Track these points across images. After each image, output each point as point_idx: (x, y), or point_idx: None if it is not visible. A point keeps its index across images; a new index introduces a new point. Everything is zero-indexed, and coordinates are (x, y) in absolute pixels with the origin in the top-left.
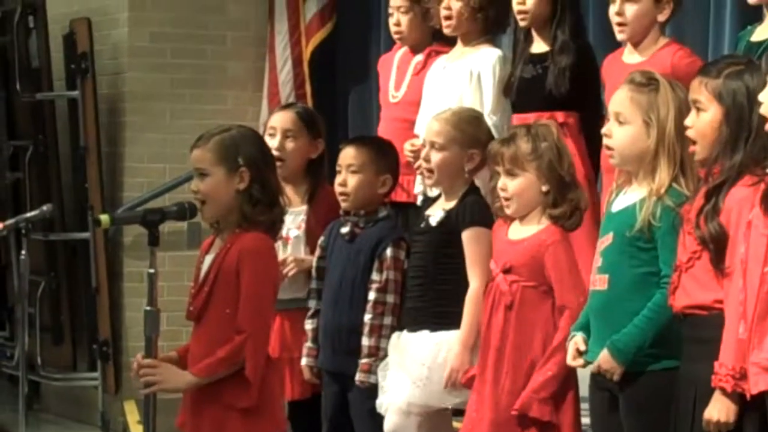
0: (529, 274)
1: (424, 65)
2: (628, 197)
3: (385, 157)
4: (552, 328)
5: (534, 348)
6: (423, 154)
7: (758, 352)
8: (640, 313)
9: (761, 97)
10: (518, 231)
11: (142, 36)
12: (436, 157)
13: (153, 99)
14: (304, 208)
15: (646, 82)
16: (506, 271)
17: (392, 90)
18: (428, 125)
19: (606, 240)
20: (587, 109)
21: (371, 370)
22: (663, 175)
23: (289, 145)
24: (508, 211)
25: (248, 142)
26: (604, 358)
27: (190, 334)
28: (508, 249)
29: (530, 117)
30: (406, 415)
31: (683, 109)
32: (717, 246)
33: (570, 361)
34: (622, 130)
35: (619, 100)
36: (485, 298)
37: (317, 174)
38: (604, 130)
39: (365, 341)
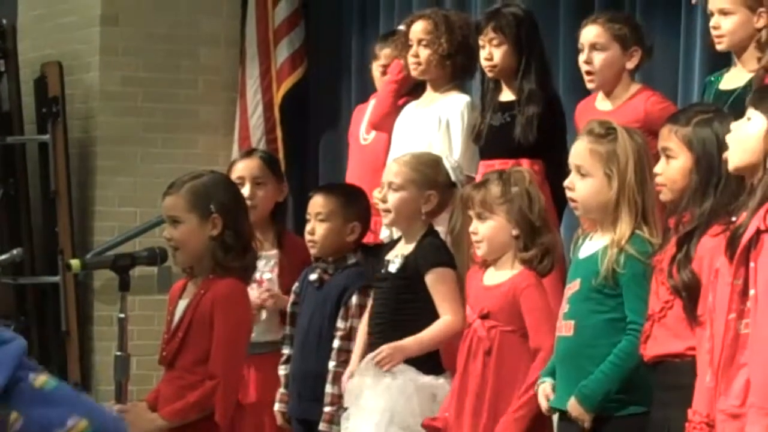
0: (507, 319)
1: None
2: (594, 244)
3: (353, 205)
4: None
5: (514, 393)
6: (381, 194)
7: (725, 399)
8: (605, 359)
9: (733, 126)
10: (493, 276)
11: (113, 80)
12: (393, 197)
13: (124, 143)
14: (275, 252)
15: (605, 133)
16: (484, 316)
17: (363, 133)
18: (388, 167)
19: (573, 286)
20: (553, 157)
21: (333, 421)
22: (624, 226)
23: (259, 192)
24: (479, 253)
25: (220, 189)
26: (572, 405)
27: (160, 379)
28: (484, 295)
29: (496, 164)
30: None
31: (642, 155)
32: (690, 294)
33: (542, 403)
34: (584, 183)
35: (578, 152)
36: (461, 343)
37: (283, 217)
38: (566, 183)
39: (329, 389)
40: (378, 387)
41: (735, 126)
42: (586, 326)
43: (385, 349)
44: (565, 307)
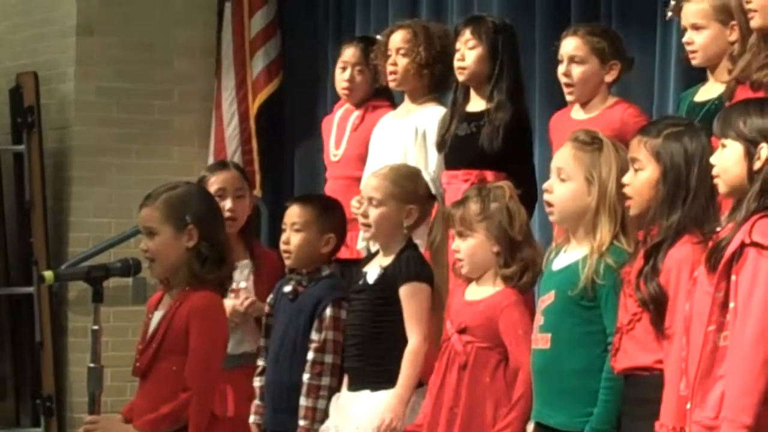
0: (484, 335)
1: (362, 120)
2: (569, 256)
3: (329, 217)
4: (504, 390)
5: (486, 409)
6: (361, 209)
7: (700, 411)
8: (582, 371)
9: (713, 159)
10: (474, 292)
11: (88, 90)
12: (374, 212)
13: (99, 153)
14: (248, 261)
15: (590, 141)
16: (461, 331)
17: (332, 149)
18: (366, 181)
19: (547, 299)
20: (517, 170)
21: None
22: (604, 232)
23: (240, 204)
24: (462, 272)
25: (196, 200)
26: None
27: (135, 390)
28: (464, 309)
29: (459, 174)
30: None
31: (625, 169)
32: (657, 307)
33: None
34: (564, 186)
35: (562, 156)
36: (439, 356)
37: (252, 228)
38: (545, 186)
39: (303, 402)
40: (357, 402)
41: (714, 158)
42: (563, 338)
43: (387, 416)
44: (539, 320)
